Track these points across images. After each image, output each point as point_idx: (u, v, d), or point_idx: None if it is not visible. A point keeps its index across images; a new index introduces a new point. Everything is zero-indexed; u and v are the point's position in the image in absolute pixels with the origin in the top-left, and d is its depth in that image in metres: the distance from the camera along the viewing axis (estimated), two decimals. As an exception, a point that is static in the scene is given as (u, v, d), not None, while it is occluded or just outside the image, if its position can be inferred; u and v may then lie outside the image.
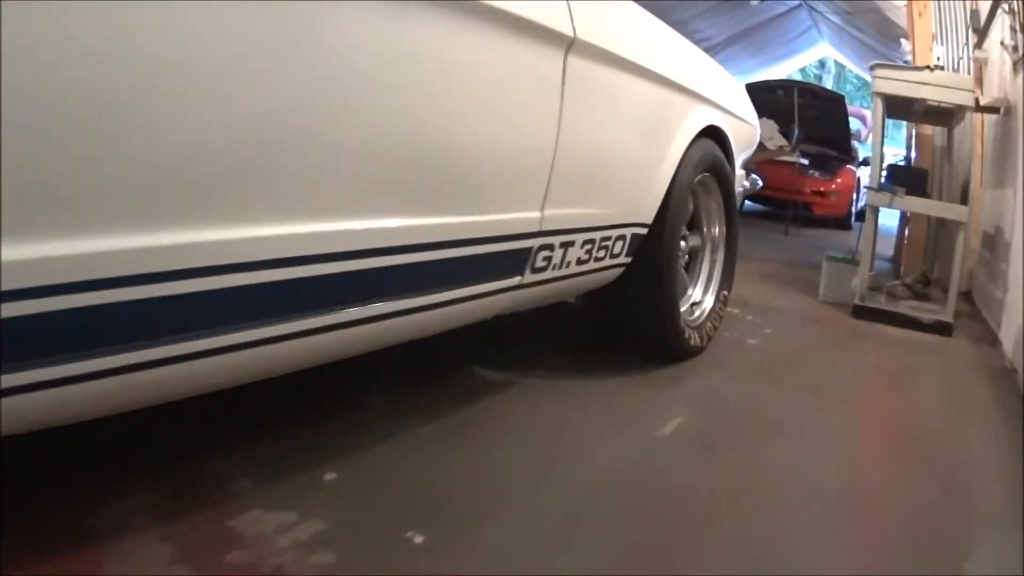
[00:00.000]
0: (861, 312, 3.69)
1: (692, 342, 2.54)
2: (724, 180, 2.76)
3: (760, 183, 3.64)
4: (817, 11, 10.78)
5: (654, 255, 2.27)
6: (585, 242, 1.92)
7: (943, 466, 1.98)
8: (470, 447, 1.72)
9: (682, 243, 2.62)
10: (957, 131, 4.77)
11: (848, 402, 2.45)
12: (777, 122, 8.12)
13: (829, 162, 8.82)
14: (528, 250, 1.71)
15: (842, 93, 9.78)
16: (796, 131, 8.25)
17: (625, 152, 2.03)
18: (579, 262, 1.93)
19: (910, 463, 1.99)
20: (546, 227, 1.72)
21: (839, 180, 8.68)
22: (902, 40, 5.43)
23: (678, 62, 2.28)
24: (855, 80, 21.41)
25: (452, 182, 1.43)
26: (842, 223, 8.93)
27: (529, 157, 1.62)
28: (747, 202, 9.26)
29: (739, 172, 3.21)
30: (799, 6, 10.86)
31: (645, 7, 2.13)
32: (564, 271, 1.89)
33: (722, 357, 2.68)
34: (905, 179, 4.07)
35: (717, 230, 2.86)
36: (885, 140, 4.20)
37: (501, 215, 1.58)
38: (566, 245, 1.83)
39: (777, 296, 4.08)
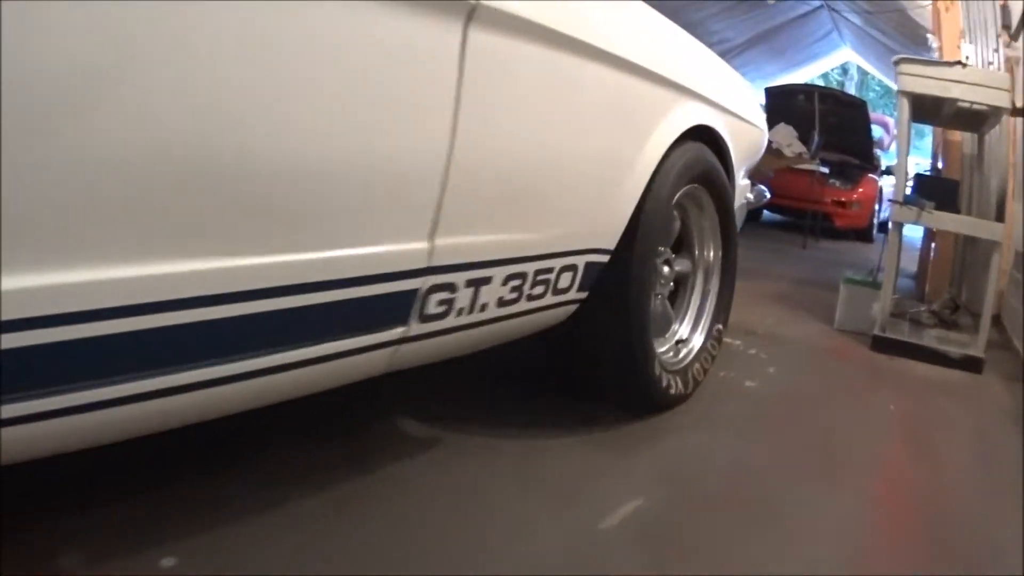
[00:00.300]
0: (881, 344, 3.22)
1: (674, 390, 2.10)
2: (719, 192, 2.31)
3: (767, 195, 3.17)
4: (838, 12, 10.31)
5: (619, 288, 1.83)
6: (510, 277, 1.48)
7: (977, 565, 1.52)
8: (359, 532, 1.34)
9: (665, 269, 2.18)
10: (989, 137, 4.29)
11: (861, 473, 1.98)
12: (797, 128, 7.68)
13: (850, 171, 8.35)
14: (411, 293, 1.27)
15: (864, 99, 9.26)
16: (816, 138, 7.81)
17: (571, 159, 1.59)
18: (502, 303, 1.49)
19: (936, 564, 1.54)
20: (440, 261, 1.28)
21: (861, 190, 8.20)
22: (929, 36, 4.95)
23: (654, 46, 1.83)
24: (878, 87, 20.88)
25: (280, 206, 1.00)
26: (864, 235, 8.47)
27: (405, 167, 1.18)
28: (765, 212, 8.81)
29: (741, 183, 2.76)
30: (820, 7, 10.42)
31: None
32: (478, 316, 1.45)
33: (711, 406, 2.22)
34: (934, 191, 3.60)
35: (711, 253, 2.41)
36: (909, 148, 3.74)
37: (362, 249, 1.14)
38: (478, 283, 1.39)
39: (788, 323, 3.61)
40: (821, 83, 14.12)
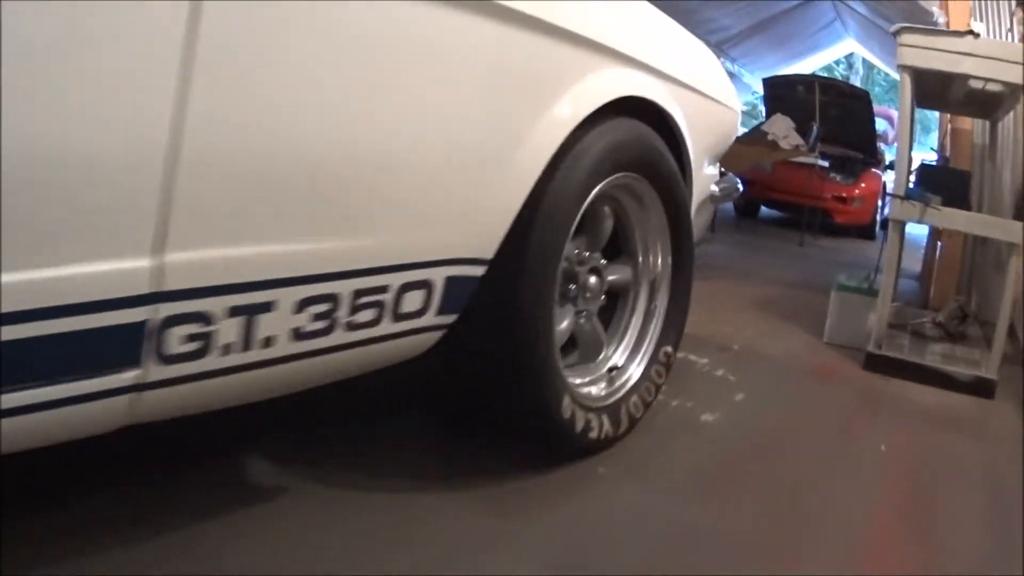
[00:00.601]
0: (876, 363, 2.73)
1: (596, 432, 1.63)
2: (666, 183, 1.83)
3: (740, 187, 2.66)
4: (841, 0, 9.80)
5: (504, 309, 1.37)
6: (309, 301, 1.02)
7: None
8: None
9: (591, 279, 1.72)
10: (1002, 125, 3.79)
11: (837, 549, 1.50)
12: (796, 120, 7.19)
13: (852, 165, 7.90)
14: (135, 327, 0.83)
15: (867, 90, 8.77)
16: (815, 129, 7.31)
17: (408, 139, 1.12)
18: (302, 336, 1.03)
19: None
20: (176, 284, 0.86)
21: (863, 185, 7.73)
22: (934, 10, 4.44)
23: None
24: (884, 82, 20.31)
25: None
26: (866, 232, 7.97)
27: (104, 155, 0.78)
28: (762, 207, 8.32)
29: (705, 172, 2.27)
30: (821, -6, 9.90)
31: None
32: (262, 354, 0.99)
33: (649, 451, 1.75)
34: (940, 183, 3.10)
35: (658, 259, 1.92)
36: (913, 142, 3.24)
37: (50, 270, 0.76)
38: (251, 311, 0.95)
39: (770, 335, 3.13)
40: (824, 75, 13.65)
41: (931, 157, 6.88)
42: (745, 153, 6.77)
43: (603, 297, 1.79)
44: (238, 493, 1.33)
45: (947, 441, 2.18)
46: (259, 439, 1.53)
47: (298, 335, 1.02)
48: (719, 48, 11.06)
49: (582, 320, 1.74)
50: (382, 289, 1.13)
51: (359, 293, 1.09)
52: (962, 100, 3.26)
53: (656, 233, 1.90)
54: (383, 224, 1.13)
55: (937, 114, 5.57)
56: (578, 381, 1.67)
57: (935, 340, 3.09)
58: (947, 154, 4.73)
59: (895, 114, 9.50)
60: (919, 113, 3.99)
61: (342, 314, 1.08)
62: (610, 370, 1.82)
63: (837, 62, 17.11)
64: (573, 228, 1.50)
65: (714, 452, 1.84)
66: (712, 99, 2.15)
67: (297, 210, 0.98)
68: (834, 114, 7.61)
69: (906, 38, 2.65)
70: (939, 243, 4.46)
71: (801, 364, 2.76)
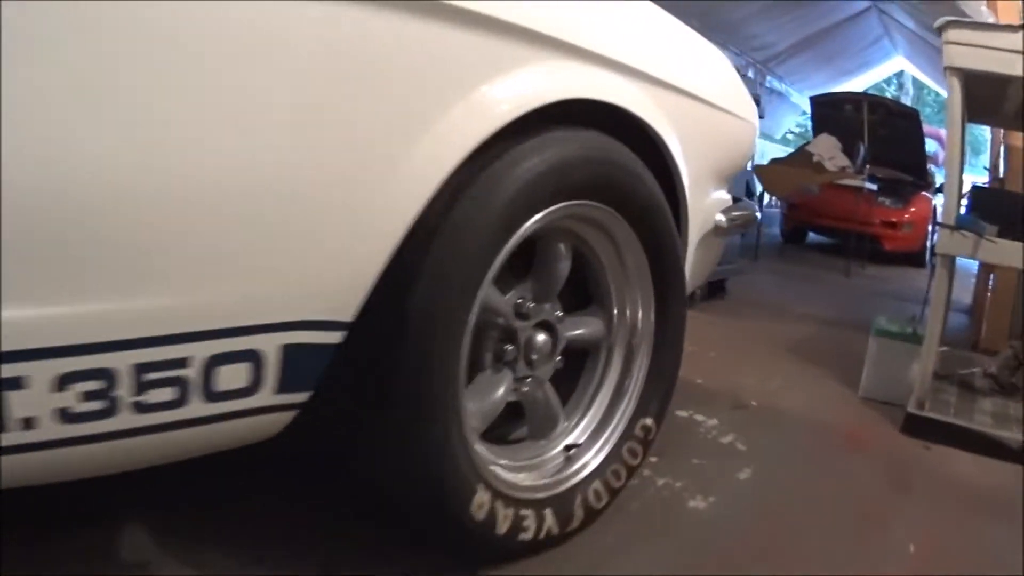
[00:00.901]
0: (917, 425, 2.30)
1: (527, 534, 1.26)
2: (645, 215, 1.46)
3: (758, 215, 2.24)
4: (888, 14, 9.36)
5: (376, 385, 1.02)
6: (72, 378, 0.74)
7: None
8: None
9: (539, 337, 1.36)
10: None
11: None
12: (843, 140, 6.76)
13: (902, 188, 7.36)
14: None
15: (916, 109, 8.28)
16: (862, 150, 6.86)
17: (205, 159, 0.79)
18: (70, 418, 0.77)
19: None
20: None
21: (912, 209, 7.22)
22: (983, 10, 3.99)
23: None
24: (934, 103, 19.68)
25: None
26: (916, 259, 7.42)
27: None
28: (810, 233, 7.83)
29: (711, 197, 1.88)
30: (868, 8, 9.46)
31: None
32: (17, 438, 0.74)
33: (607, 551, 1.37)
34: (995, 209, 2.64)
35: (638, 311, 1.55)
36: (964, 161, 2.79)
37: None
38: None
39: (798, 385, 2.70)
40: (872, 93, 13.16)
41: (982, 179, 6.39)
42: (790, 175, 6.38)
43: (559, 359, 1.43)
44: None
45: (993, 535, 1.74)
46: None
47: (67, 417, 0.73)
48: (765, 66, 10.70)
49: (526, 388, 1.38)
50: (179, 363, 0.80)
51: (143, 368, 0.76)
52: (1019, 111, 2.82)
53: (635, 279, 1.53)
54: (175, 279, 0.79)
55: (988, 133, 5.12)
56: (509, 467, 1.31)
57: (986, 394, 2.65)
58: (1000, 175, 4.27)
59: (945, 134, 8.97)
60: (968, 133, 3.54)
61: (123, 393, 0.77)
62: (567, 448, 1.46)
63: (887, 81, 16.57)
64: (490, 275, 1.14)
65: (695, 554, 1.45)
66: (719, 108, 1.76)
67: (43, 261, 0.69)
68: (882, 134, 7.20)
69: (953, 34, 2.23)
70: (991, 275, 3.99)
71: (828, 426, 2.33)
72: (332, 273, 0.92)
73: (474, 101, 1.03)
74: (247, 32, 0.79)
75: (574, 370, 1.54)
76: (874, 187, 7.02)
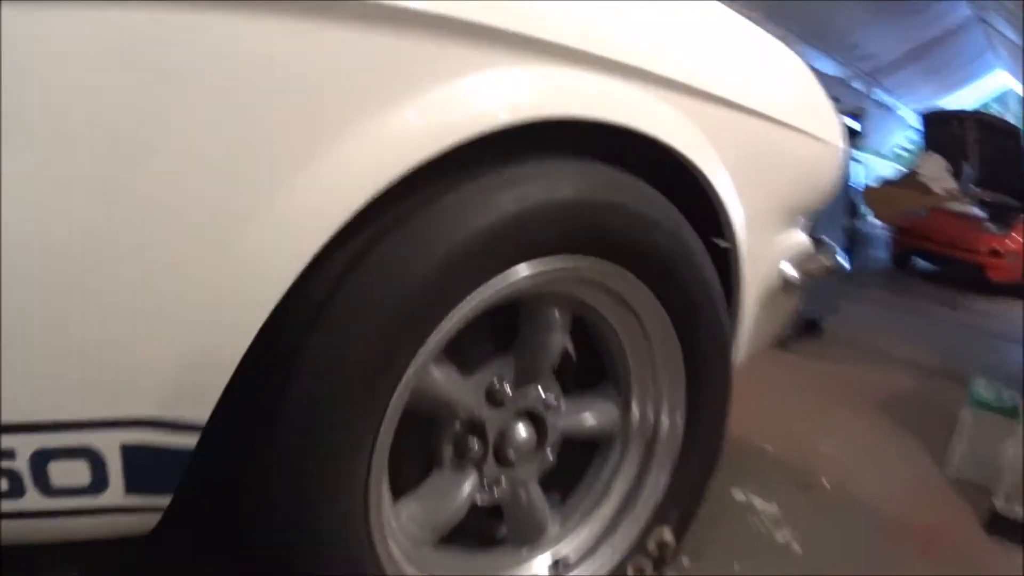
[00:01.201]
0: (1002, 526, 1.89)
1: None
2: (671, 276, 1.09)
3: (848, 267, 1.76)
4: (991, 26, 8.85)
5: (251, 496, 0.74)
6: None
7: None
8: None
9: (520, 429, 1.05)
10: None
11: None
12: (951, 159, 6.30)
13: (1007, 213, 6.73)
14: None
15: (1020, 127, 7.71)
16: (965, 170, 6.34)
17: None
18: None
19: None
20: None
21: (1017, 237, 6.54)
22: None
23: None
24: (1040, 122, 18.54)
25: None
26: (1021, 292, 6.75)
27: None
28: (917, 259, 7.20)
29: (778, 241, 1.46)
30: (972, 18, 8.98)
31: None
32: None
33: None
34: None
35: (663, 398, 1.20)
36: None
37: None
38: None
39: (879, 457, 2.28)
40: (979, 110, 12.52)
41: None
42: (897, 198, 6.01)
43: (549, 455, 1.11)
44: None
45: None
46: None
47: None
48: (872, 77, 10.28)
49: (501, 489, 1.07)
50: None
51: None
52: None
53: (660, 358, 1.17)
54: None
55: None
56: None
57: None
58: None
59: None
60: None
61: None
62: (555, 564, 1.14)
63: (993, 101, 15.71)
64: (420, 358, 0.83)
65: None
66: (787, 126, 1.33)
67: None
68: (988, 154, 6.69)
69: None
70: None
71: (904, 517, 1.92)
72: (165, 363, 0.65)
73: (381, 126, 0.72)
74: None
75: (584, 459, 1.22)
76: (979, 212, 6.48)
